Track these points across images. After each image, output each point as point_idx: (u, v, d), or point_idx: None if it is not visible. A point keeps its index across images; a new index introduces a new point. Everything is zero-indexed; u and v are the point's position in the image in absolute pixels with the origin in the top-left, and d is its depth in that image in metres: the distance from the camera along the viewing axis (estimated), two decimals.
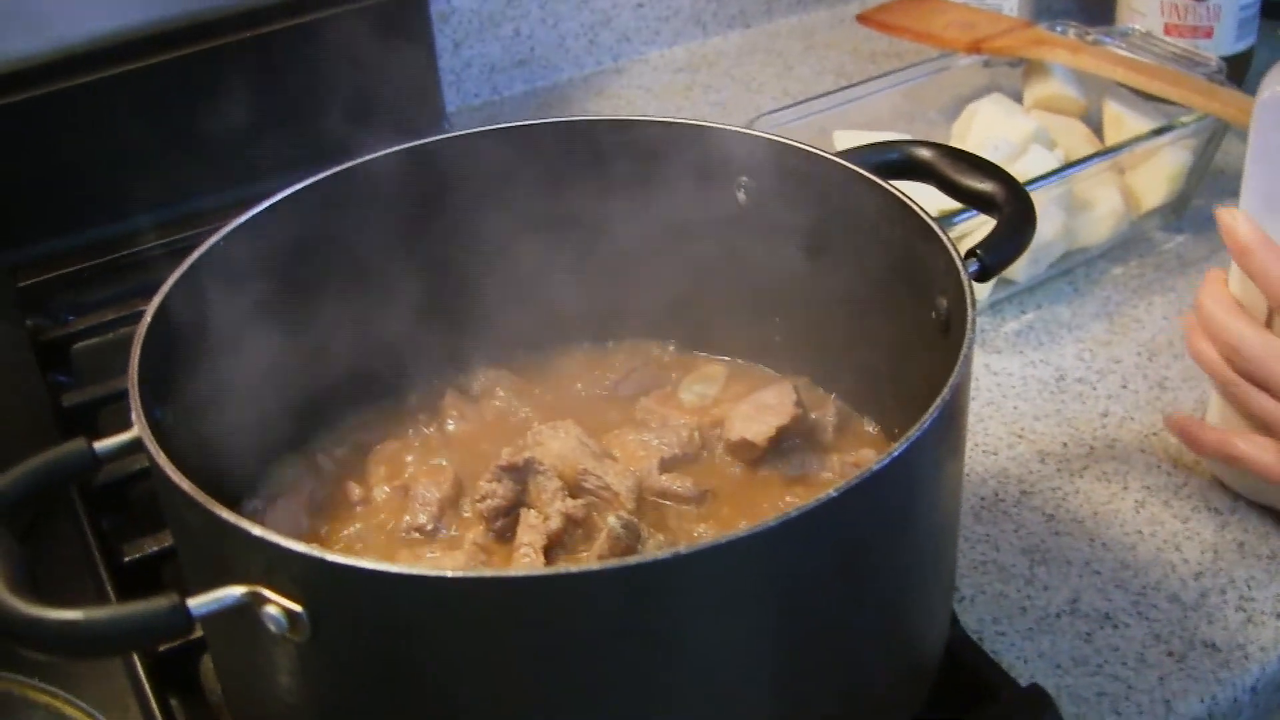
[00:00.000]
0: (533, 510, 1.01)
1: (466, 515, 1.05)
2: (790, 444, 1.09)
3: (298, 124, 1.41)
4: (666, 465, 1.07)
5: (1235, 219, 1.12)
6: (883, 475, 0.81)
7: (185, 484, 0.80)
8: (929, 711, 0.99)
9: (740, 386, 1.16)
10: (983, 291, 1.40)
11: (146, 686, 1.02)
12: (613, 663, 0.80)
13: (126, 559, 1.11)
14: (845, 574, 0.85)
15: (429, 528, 1.04)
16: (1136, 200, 1.51)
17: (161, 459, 0.82)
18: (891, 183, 1.03)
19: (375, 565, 0.76)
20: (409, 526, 1.04)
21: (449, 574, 0.75)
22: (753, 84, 1.87)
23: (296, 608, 0.78)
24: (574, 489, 1.02)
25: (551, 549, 0.99)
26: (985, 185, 1.06)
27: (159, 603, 0.78)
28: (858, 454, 1.09)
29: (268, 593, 0.78)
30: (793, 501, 1.04)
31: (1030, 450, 1.28)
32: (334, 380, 1.12)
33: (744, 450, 1.08)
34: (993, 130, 1.50)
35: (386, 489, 1.07)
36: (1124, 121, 1.53)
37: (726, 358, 1.20)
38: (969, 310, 0.91)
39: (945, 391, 0.85)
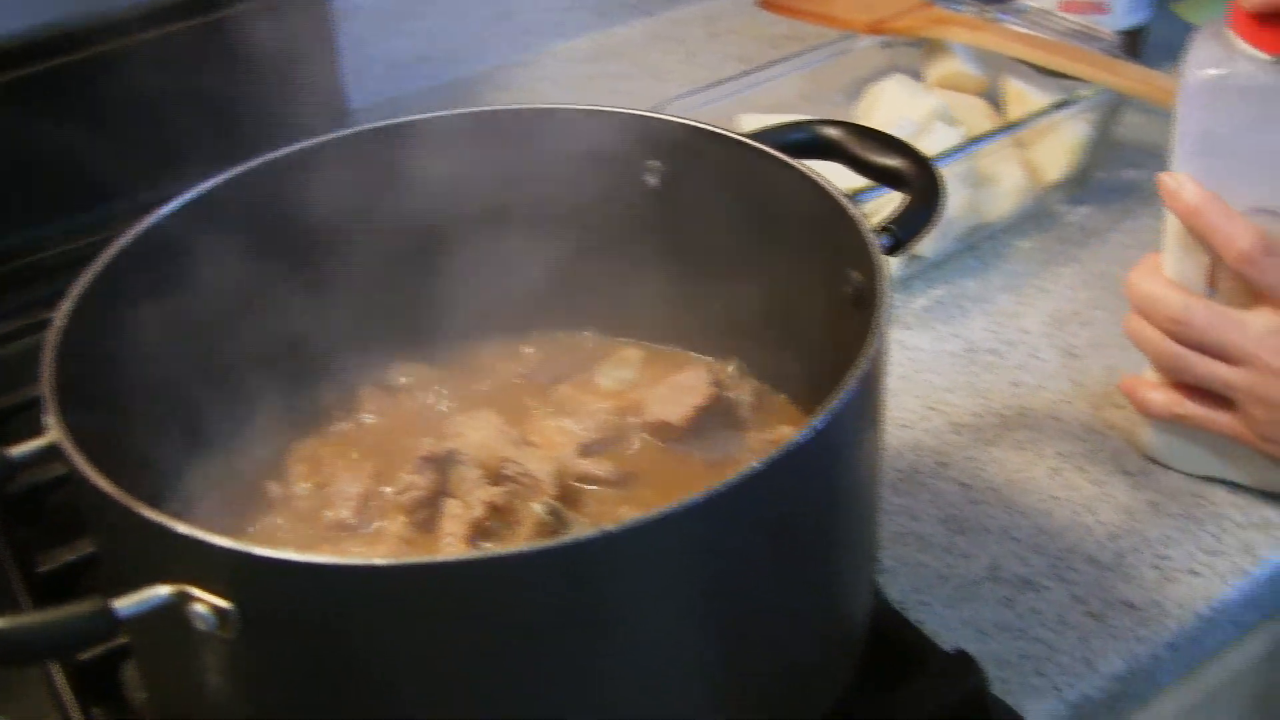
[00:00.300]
0: (455, 500, 1.01)
1: (388, 508, 1.05)
2: (708, 424, 1.10)
3: (201, 125, 1.41)
4: (586, 450, 1.08)
5: (1180, 182, 1.12)
6: (805, 448, 0.82)
7: (105, 484, 0.80)
8: (858, 684, 1.01)
9: (657, 370, 1.16)
10: (892, 268, 1.41)
11: (68, 697, 1.02)
12: (545, 645, 0.80)
13: (42, 569, 1.11)
14: (772, 547, 0.86)
15: (351, 522, 1.04)
16: (1038, 174, 1.53)
17: (79, 461, 0.82)
18: (801, 161, 1.04)
19: (304, 557, 0.76)
20: (331, 522, 1.04)
21: (379, 563, 0.76)
22: (657, 72, 1.88)
23: (225, 604, 0.77)
24: (495, 477, 1.03)
25: (475, 537, 0.99)
26: (893, 161, 1.08)
27: (83, 606, 0.77)
28: (776, 431, 1.10)
29: (195, 591, 0.78)
30: (714, 476, 1.04)
31: (944, 422, 1.30)
32: (248, 380, 1.11)
33: (663, 432, 1.09)
34: (896, 109, 1.52)
35: (306, 486, 1.07)
36: (1024, 97, 1.55)
37: (643, 342, 1.20)
38: (883, 283, 0.92)
39: (863, 362, 0.86)
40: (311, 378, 1.16)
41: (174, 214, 1.04)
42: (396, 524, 1.02)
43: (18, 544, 1.14)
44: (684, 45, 1.95)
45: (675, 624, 0.85)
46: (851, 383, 0.85)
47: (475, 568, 0.77)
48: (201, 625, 0.78)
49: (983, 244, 1.52)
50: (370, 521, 1.04)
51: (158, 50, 1.49)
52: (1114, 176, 1.62)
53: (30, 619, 0.78)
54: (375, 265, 1.14)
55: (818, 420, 0.82)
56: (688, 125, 1.10)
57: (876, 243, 0.96)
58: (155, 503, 0.98)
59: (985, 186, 1.48)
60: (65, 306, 0.95)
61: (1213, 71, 1.10)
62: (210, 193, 1.06)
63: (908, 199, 1.05)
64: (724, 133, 1.09)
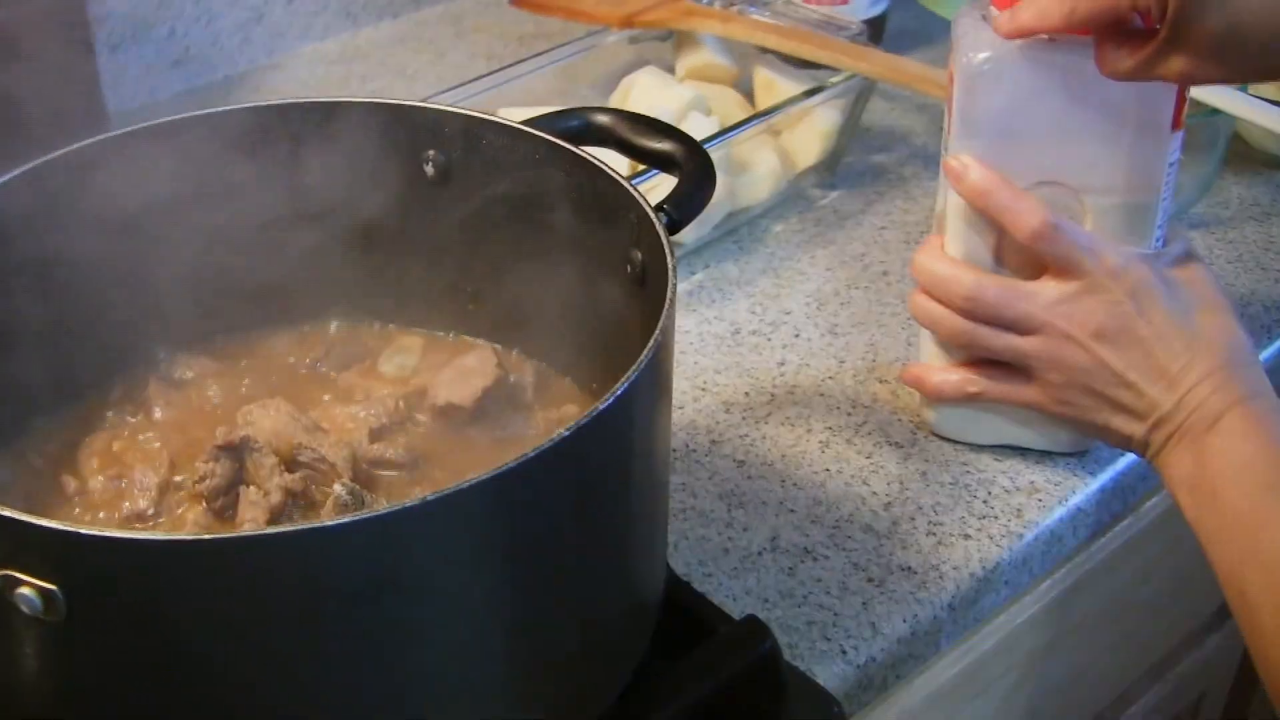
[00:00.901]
0: (253, 487, 1.01)
1: (184, 498, 1.05)
2: (494, 405, 1.11)
3: None
4: (376, 435, 1.09)
5: (964, 165, 1.17)
6: (605, 416, 0.84)
7: None
8: (652, 653, 1.03)
9: (439, 356, 1.18)
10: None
11: None
12: (353, 617, 0.82)
13: None
14: (568, 521, 0.88)
15: (149, 512, 1.03)
16: (792, 160, 1.57)
17: None
18: (579, 147, 1.07)
19: (131, 534, 0.78)
20: (129, 513, 1.03)
21: (206, 537, 0.77)
22: (406, 72, 1.89)
23: (50, 586, 0.78)
24: (290, 463, 1.03)
25: (274, 522, 1.00)
26: (664, 145, 1.11)
27: None
28: (561, 409, 1.12)
29: (18, 574, 0.78)
30: (504, 456, 1.06)
31: (715, 402, 1.33)
32: (32, 382, 1.10)
33: (450, 414, 1.11)
34: (650, 100, 1.55)
35: (100, 479, 1.06)
36: (774, 86, 1.59)
37: (424, 330, 1.21)
38: (668, 258, 0.95)
39: (656, 333, 0.89)
40: (97, 373, 1.15)
41: None
42: (195, 512, 1.02)
43: None
44: (432, 45, 1.96)
45: (474, 599, 0.86)
46: (647, 352, 0.87)
47: (292, 539, 0.78)
48: (25, 609, 0.78)
49: (740, 229, 1.55)
50: (169, 510, 1.04)
51: None
52: (863, 161, 1.67)
53: None
54: (155, 260, 1.13)
55: (619, 386, 0.85)
56: (465, 115, 1.11)
57: (659, 221, 0.99)
58: None
59: (741, 173, 1.52)
60: None
61: (982, 55, 1.14)
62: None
63: (680, 181, 1.08)
64: (501, 120, 1.11)
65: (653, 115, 1.42)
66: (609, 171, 1.04)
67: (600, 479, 0.89)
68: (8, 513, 0.77)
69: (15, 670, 0.86)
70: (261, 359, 1.18)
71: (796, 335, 1.41)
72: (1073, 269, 1.15)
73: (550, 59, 1.66)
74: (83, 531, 0.76)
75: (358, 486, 0.98)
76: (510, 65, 1.62)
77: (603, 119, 1.13)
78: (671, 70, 1.67)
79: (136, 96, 1.76)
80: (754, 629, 1.06)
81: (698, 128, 1.50)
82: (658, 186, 1.31)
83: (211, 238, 1.14)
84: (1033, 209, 1.14)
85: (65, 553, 0.77)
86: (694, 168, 1.08)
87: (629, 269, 1.03)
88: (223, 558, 0.77)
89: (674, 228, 1.03)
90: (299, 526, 0.78)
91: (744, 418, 1.31)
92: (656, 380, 0.92)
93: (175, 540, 0.77)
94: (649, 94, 1.56)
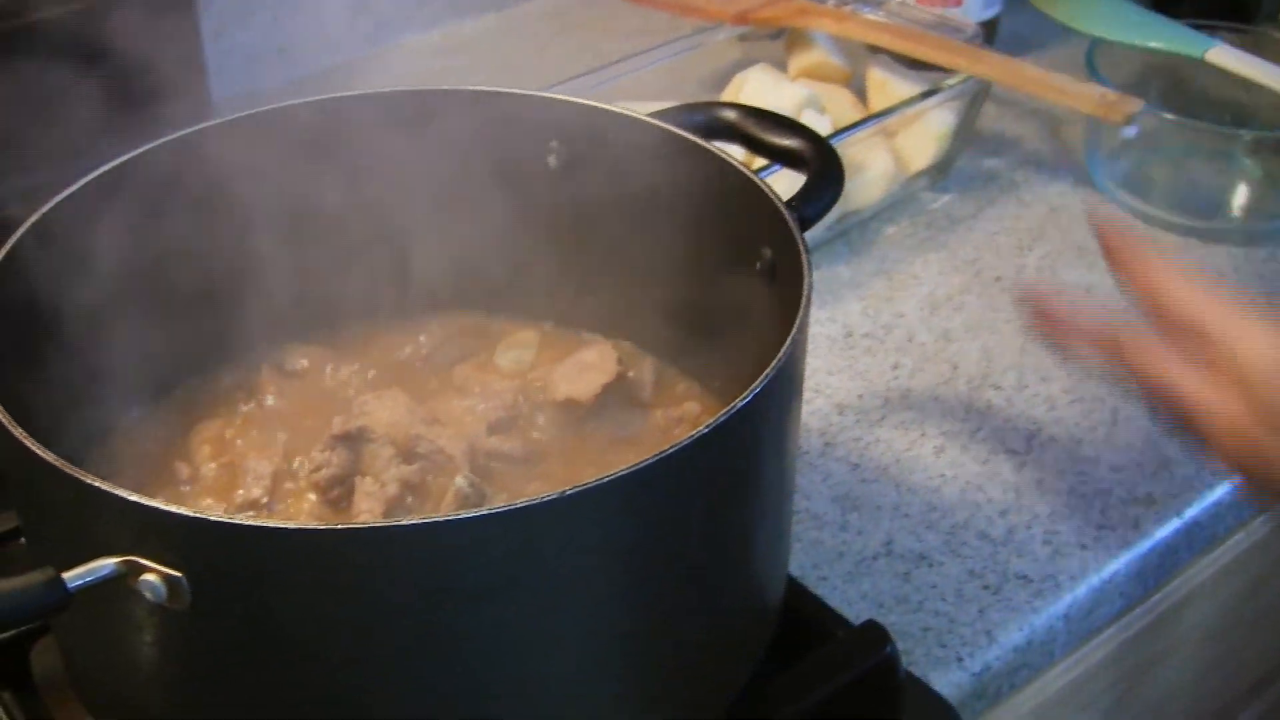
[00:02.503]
0: (369, 478, 1.00)
1: (298, 487, 1.04)
2: (611, 402, 1.10)
3: (68, 116, 1.38)
4: (493, 428, 1.08)
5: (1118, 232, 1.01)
6: (741, 417, 0.82)
7: (47, 454, 0.78)
8: (769, 656, 1.01)
9: (555, 351, 1.16)
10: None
11: None
12: (479, 613, 0.80)
13: None
14: (696, 521, 0.87)
15: (263, 500, 1.02)
16: (905, 162, 1.55)
17: (16, 430, 0.80)
18: (708, 141, 1.05)
19: (261, 523, 0.76)
20: (243, 501, 1.02)
21: (338, 526, 0.75)
22: (509, 67, 1.87)
23: (176, 574, 0.76)
24: (408, 455, 1.02)
25: (390, 514, 0.99)
26: (791, 142, 1.09)
27: (34, 577, 0.75)
28: (680, 407, 1.10)
29: (143, 560, 0.77)
30: (627, 458, 1.05)
31: (828, 404, 1.31)
32: (146, 367, 1.09)
33: (569, 409, 1.09)
34: (764, 98, 1.53)
35: (214, 465, 1.06)
36: (888, 86, 1.57)
37: (540, 324, 1.20)
38: (803, 255, 0.93)
39: (793, 331, 0.87)
40: (209, 361, 1.15)
41: (73, 196, 1.01)
42: (309, 502, 1.01)
43: None
44: (535, 40, 1.95)
45: (599, 598, 0.85)
46: (784, 352, 0.85)
47: (423, 531, 0.76)
48: (150, 596, 0.77)
49: (851, 231, 1.53)
50: (282, 500, 1.03)
51: (17, 43, 1.46)
52: (974, 165, 1.64)
53: None
54: (269, 247, 1.12)
55: (756, 386, 0.83)
56: (591, 106, 1.10)
57: (791, 217, 0.97)
58: None
59: (854, 174, 1.49)
60: None
61: None
62: (110, 174, 1.04)
63: (809, 178, 1.06)
64: (627, 113, 1.09)
65: None
66: (738, 166, 1.02)
67: (731, 480, 0.87)
68: (136, 498, 0.76)
69: (133, 656, 0.85)
70: (375, 350, 1.17)
71: (910, 339, 1.39)
72: None
73: (658, 55, 1.65)
74: (211, 519, 0.75)
75: (478, 479, 0.97)
76: (618, 61, 1.61)
77: (728, 114, 1.12)
78: (782, 68, 1.65)
79: (239, 84, 1.75)
80: (873, 634, 1.04)
81: (811, 124, 1.47)
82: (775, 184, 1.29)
83: (326, 226, 1.14)
84: None
85: (192, 540, 0.76)
86: (822, 165, 1.07)
87: (757, 265, 1.01)
88: (352, 549, 0.76)
89: (804, 224, 1.01)
90: (431, 519, 0.76)
91: (857, 420, 1.30)
92: (790, 381, 0.91)
93: (305, 530, 0.76)
94: (762, 92, 1.54)
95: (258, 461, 1.04)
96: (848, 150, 1.47)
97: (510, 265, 1.17)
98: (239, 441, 1.08)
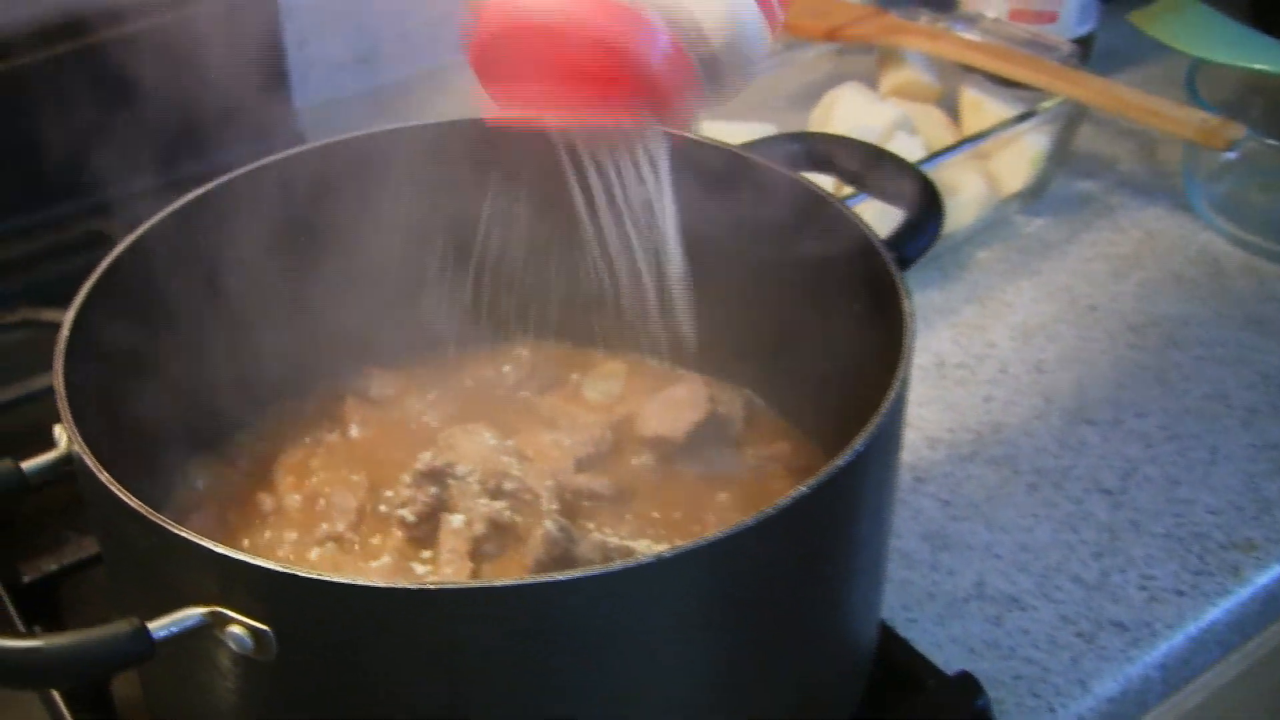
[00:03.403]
0: (455, 515, 0.98)
1: (382, 522, 1.02)
2: (703, 439, 1.08)
3: (156, 123, 1.37)
4: (582, 465, 1.06)
5: None
6: (843, 474, 0.80)
7: (135, 502, 0.77)
8: (863, 705, 0.99)
9: (642, 383, 1.14)
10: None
11: (61, 708, 0.99)
12: (574, 670, 0.78)
13: (26, 579, 1.07)
14: (797, 575, 0.84)
15: (347, 536, 1.01)
16: (998, 185, 1.52)
17: (103, 475, 0.79)
18: (802, 174, 1.03)
19: (350, 580, 0.73)
20: (325, 535, 1.01)
21: (430, 586, 0.73)
22: None
23: (263, 626, 0.75)
24: (494, 492, 1.00)
25: (476, 554, 0.97)
26: (891, 177, 1.07)
27: (120, 627, 0.74)
28: (772, 446, 1.08)
29: (229, 612, 0.75)
30: (718, 497, 1.04)
31: (919, 437, 1.29)
32: (232, 392, 1.08)
33: (659, 446, 1.07)
34: (855, 118, 1.50)
35: (298, 497, 1.04)
36: (982, 107, 1.54)
37: (626, 355, 1.18)
38: (904, 301, 0.91)
39: (896, 384, 0.85)
40: (292, 389, 1.13)
41: (165, 221, 1.00)
42: (394, 538, 0.99)
43: None
44: None
45: (693, 655, 0.83)
46: (887, 406, 0.83)
47: (520, 591, 0.74)
48: (235, 647, 0.76)
49: (944, 255, 1.51)
50: (366, 535, 1.01)
51: (105, 55, 1.44)
52: (1068, 187, 1.61)
53: (67, 640, 0.74)
54: (358, 272, 1.10)
55: (858, 444, 0.80)
56: (681, 135, 1.07)
57: (891, 259, 0.95)
58: None
59: (947, 197, 1.45)
60: (69, 315, 0.91)
61: None
62: (202, 199, 1.03)
63: (909, 216, 1.03)
64: (721, 144, 1.07)
65: (857, 133, 1.40)
66: (837, 205, 1.00)
67: (829, 538, 0.85)
68: (222, 550, 0.74)
69: (216, 703, 0.83)
70: (460, 379, 1.16)
71: (1002, 370, 1.36)
72: None
73: None
74: (299, 574, 0.73)
75: (568, 522, 0.95)
76: None
77: (826, 145, 1.10)
78: (873, 86, 1.62)
79: (322, 92, 1.74)
80: (966, 685, 1.02)
81: (903, 148, 1.45)
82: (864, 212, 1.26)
83: (411, 250, 1.12)
84: None
85: (279, 593, 0.75)
86: (922, 202, 1.04)
87: (854, 307, 0.99)
88: (443, 606, 0.74)
89: (903, 264, 0.98)
90: (523, 581, 0.74)
91: (948, 455, 1.27)
92: (891, 438, 0.88)
93: (398, 588, 0.74)
94: (853, 111, 1.52)
95: (342, 495, 1.02)
96: (940, 173, 1.44)
97: (600, 295, 1.14)
98: (322, 473, 1.06)
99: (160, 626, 0.75)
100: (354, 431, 1.10)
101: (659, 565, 0.74)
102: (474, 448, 1.03)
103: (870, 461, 0.83)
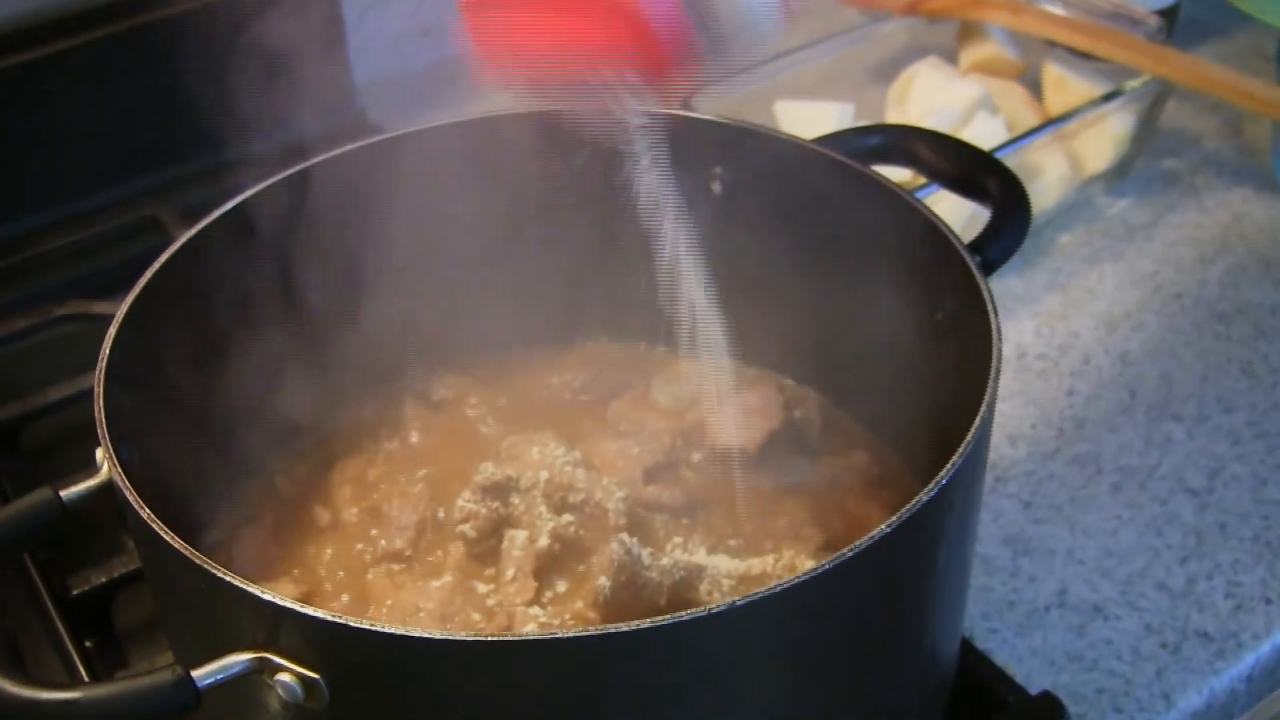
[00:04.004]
0: (519, 531, 0.95)
1: (443, 536, 0.99)
2: (776, 448, 1.04)
3: (210, 104, 1.33)
4: (650, 475, 1.02)
5: None
6: (928, 507, 0.76)
7: (178, 542, 0.74)
8: None
9: (715, 385, 1.10)
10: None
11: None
12: (650, 717, 0.75)
13: (75, 592, 1.04)
14: (882, 608, 0.81)
15: (407, 553, 0.98)
16: (1081, 165, 1.47)
17: (145, 512, 0.76)
18: (883, 173, 0.99)
19: (402, 631, 0.70)
20: (385, 552, 0.98)
21: (486, 638, 0.69)
22: None
23: (313, 675, 0.72)
24: (559, 505, 0.97)
25: (540, 571, 0.94)
26: (975, 173, 1.03)
27: (162, 676, 0.72)
28: (850, 456, 1.04)
29: (278, 659, 0.72)
30: (793, 511, 1.00)
31: (999, 434, 1.25)
32: (287, 396, 1.05)
33: (732, 456, 1.03)
34: (934, 97, 1.46)
35: (355, 511, 1.01)
36: (1066, 84, 1.49)
37: (696, 354, 1.14)
38: (991, 317, 0.87)
39: (982, 409, 0.81)
40: (349, 392, 1.10)
41: (206, 230, 0.97)
42: (455, 555, 0.96)
43: (43, 565, 1.07)
44: None
45: (771, 691, 0.79)
46: (973, 434, 0.79)
47: (587, 644, 0.70)
48: (284, 694, 0.73)
49: (1025, 240, 1.45)
50: (426, 552, 0.98)
51: (160, 35, 1.42)
52: (1152, 166, 1.56)
53: (106, 691, 0.72)
54: (416, 274, 1.07)
55: (944, 475, 0.77)
56: (760, 132, 1.04)
57: (976, 266, 0.91)
58: (196, 533, 0.93)
59: (1029, 179, 1.42)
60: (111, 332, 0.88)
61: None
62: (241, 207, 0.99)
63: (994, 215, 0.99)
64: (796, 140, 1.03)
65: (938, 111, 1.36)
66: (919, 207, 0.96)
67: (915, 567, 0.81)
68: (270, 597, 0.71)
69: None
70: (525, 380, 1.12)
71: (1086, 362, 1.32)
72: None
73: (826, 48, 1.58)
74: (350, 623, 0.70)
75: (636, 543, 0.91)
76: (785, 54, 1.54)
77: (909, 139, 1.05)
78: (953, 60, 1.57)
79: (384, 68, 1.70)
80: (1048, 706, 0.99)
81: (985, 128, 1.41)
82: (941, 201, 1.22)
83: (475, 248, 1.08)
84: None
85: (330, 642, 0.72)
86: (1007, 200, 1.00)
87: (937, 316, 0.95)
88: (501, 658, 0.71)
89: (988, 268, 0.95)
90: (586, 632, 0.71)
91: (1030, 453, 1.23)
92: (977, 465, 0.84)
93: (449, 640, 0.70)
94: (933, 90, 1.47)
95: (401, 509, 0.99)
96: (1023, 155, 1.40)
97: (668, 293, 1.11)
98: (382, 485, 1.03)
99: (206, 675, 0.72)
100: (414, 438, 1.07)
101: (726, 616, 0.70)
102: (538, 458, 1.00)
103: (953, 494, 0.79)
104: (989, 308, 0.87)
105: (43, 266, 1.38)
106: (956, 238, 0.92)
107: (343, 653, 0.72)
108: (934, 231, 0.94)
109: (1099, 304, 1.38)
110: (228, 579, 0.72)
